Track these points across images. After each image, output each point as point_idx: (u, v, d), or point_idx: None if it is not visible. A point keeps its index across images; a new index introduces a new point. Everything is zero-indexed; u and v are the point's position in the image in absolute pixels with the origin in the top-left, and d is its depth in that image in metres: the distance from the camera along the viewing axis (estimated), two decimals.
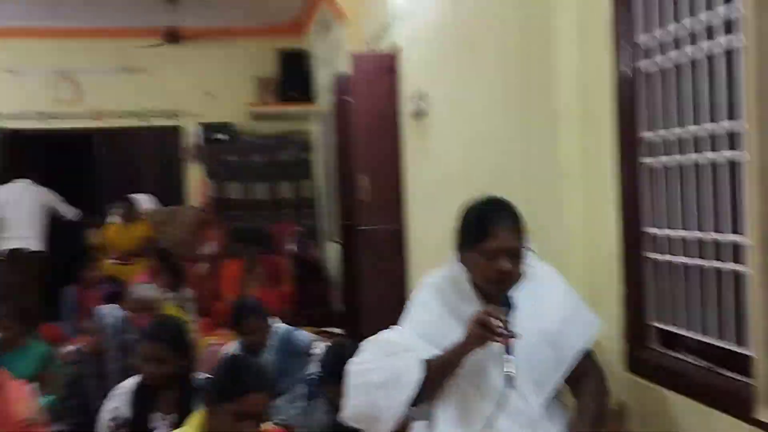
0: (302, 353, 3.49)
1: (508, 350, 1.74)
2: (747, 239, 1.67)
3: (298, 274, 6.55)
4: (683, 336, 2.00)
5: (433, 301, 2.02)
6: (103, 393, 3.30)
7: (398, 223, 4.56)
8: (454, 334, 1.86)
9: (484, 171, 3.19)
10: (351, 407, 1.97)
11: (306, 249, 7.08)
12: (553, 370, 1.90)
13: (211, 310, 6.30)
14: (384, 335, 2.04)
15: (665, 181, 2.03)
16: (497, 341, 1.75)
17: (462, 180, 3.49)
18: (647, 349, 2.10)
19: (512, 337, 1.75)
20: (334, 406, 2.90)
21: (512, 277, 1.90)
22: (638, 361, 2.11)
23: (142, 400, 2.70)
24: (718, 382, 1.81)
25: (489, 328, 1.75)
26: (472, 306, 1.89)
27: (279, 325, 3.58)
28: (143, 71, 8.16)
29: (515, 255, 1.89)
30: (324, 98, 7.14)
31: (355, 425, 2.04)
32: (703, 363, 1.89)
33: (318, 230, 8.16)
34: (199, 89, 8.25)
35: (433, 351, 1.91)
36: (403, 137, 4.52)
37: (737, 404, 1.70)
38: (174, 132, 8.35)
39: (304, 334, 3.57)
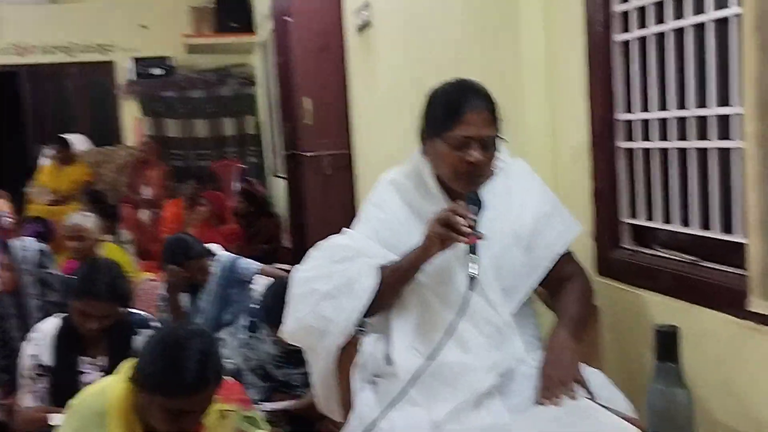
0: (246, 282, 3.24)
1: (473, 250, 1.50)
2: (739, 109, 1.45)
3: (243, 212, 6.26)
4: (660, 231, 1.80)
5: (391, 199, 1.76)
6: (24, 331, 3.02)
7: (345, 146, 4.28)
8: (415, 236, 1.61)
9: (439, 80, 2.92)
10: (294, 320, 1.72)
11: (251, 186, 6.75)
12: (525, 275, 1.67)
13: (152, 252, 6.03)
14: (334, 240, 1.77)
15: (640, 57, 1.80)
16: (462, 242, 1.51)
17: (413, 95, 3.21)
18: (620, 249, 1.90)
19: (479, 237, 1.51)
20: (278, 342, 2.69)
21: (483, 169, 1.64)
22: (611, 263, 1.91)
23: (67, 344, 2.39)
24: (704, 275, 1.61)
25: (453, 227, 1.50)
26: (436, 204, 1.63)
27: (222, 254, 3.31)
28: (70, 2, 7.59)
29: (487, 145, 1.62)
30: (265, 27, 6.72)
31: (297, 343, 1.80)
32: (685, 257, 1.69)
33: (263, 167, 7.83)
34: (131, 21, 7.72)
35: (390, 256, 1.66)
36: (347, 54, 4.20)
37: (726, 298, 1.51)
38: (106, 68, 7.82)
39: (247, 263, 3.30)
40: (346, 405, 1.70)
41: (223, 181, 7.36)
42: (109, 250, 3.97)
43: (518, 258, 1.66)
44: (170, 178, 7.06)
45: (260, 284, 2.82)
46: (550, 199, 1.76)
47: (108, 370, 2.37)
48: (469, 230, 1.49)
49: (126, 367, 1.79)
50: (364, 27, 3.78)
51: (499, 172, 1.72)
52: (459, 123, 1.59)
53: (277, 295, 2.56)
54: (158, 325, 2.67)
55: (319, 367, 1.71)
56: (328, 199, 4.43)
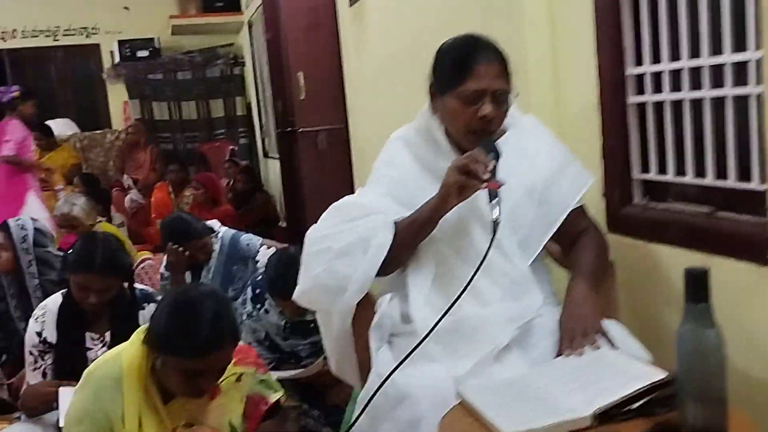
0: (249, 258, 3.21)
1: (494, 197, 1.48)
2: (757, 53, 1.44)
3: (242, 189, 6.23)
4: (673, 185, 1.79)
5: (402, 157, 1.72)
6: (24, 312, 2.98)
7: (340, 121, 4.25)
8: (428, 192, 1.59)
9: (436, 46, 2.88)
10: (308, 280, 1.68)
11: (243, 167, 6.70)
12: (540, 228, 1.65)
13: (144, 236, 5.99)
14: (346, 199, 1.74)
15: (649, 4, 1.77)
16: (481, 189, 1.48)
17: (408, 64, 3.18)
18: (632, 206, 1.89)
19: (499, 184, 1.48)
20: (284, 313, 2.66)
21: (494, 124, 1.61)
22: (623, 219, 1.89)
23: (71, 321, 2.35)
24: (721, 225, 1.60)
25: (472, 175, 1.48)
26: (448, 160, 1.60)
27: (223, 231, 3.27)
28: None
29: (499, 99, 1.59)
30: (252, 5, 6.64)
31: (310, 305, 1.77)
32: (701, 209, 1.68)
33: (254, 148, 7.77)
34: (115, 3, 7.62)
35: (405, 213, 1.63)
36: (340, 28, 4.16)
37: (746, 246, 1.50)
38: (91, 51, 7.72)
39: (248, 238, 3.27)
40: (363, 366, 1.68)
41: (214, 162, 7.30)
42: (106, 229, 3.93)
43: (532, 211, 1.65)
44: (160, 161, 7.00)
45: (265, 256, 2.78)
46: (562, 151, 1.74)
47: (113, 346, 2.34)
48: (489, 176, 1.47)
49: (139, 331, 1.77)
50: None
51: (510, 126, 1.70)
52: (470, 76, 1.56)
53: (281, 265, 2.54)
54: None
55: (335, 328, 1.69)
56: (324, 175, 4.40)
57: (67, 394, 2.13)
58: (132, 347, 1.75)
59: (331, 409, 2.63)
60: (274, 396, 1.88)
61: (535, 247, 1.65)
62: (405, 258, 1.64)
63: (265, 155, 7.28)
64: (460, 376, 1.48)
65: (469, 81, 1.56)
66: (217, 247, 3.23)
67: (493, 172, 1.49)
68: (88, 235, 2.38)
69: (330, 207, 1.74)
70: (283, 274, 2.47)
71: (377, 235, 1.59)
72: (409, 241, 1.61)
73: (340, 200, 1.74)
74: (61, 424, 2.02)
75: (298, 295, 1.75)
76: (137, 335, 1.78)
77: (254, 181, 6.43)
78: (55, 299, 2.41)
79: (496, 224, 1.47)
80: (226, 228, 3.36)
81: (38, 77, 7.72)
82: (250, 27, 7.08)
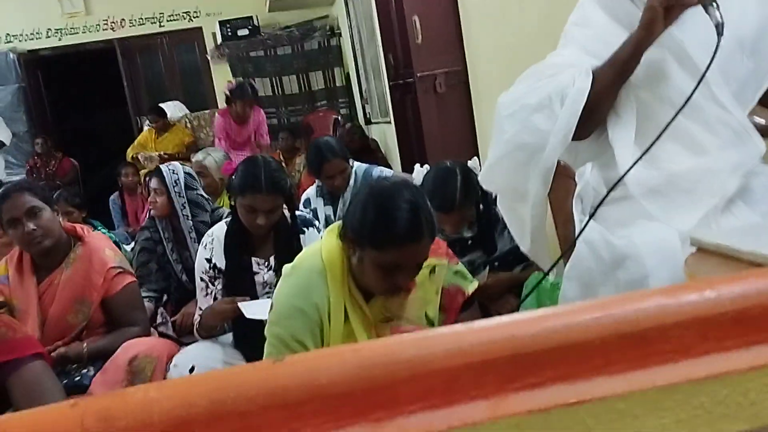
0: None
1: (707, 3, 1.36)
2: None
3: (354, 151, 6.28)
4: None
5: (597, 15, 1.61)
6: (179, 254, 3.08)
7: (460, 62, 4.18)
8: None
9: None
10: (500, 146, 1.59)
11: (352, 134, 6.75)
12: (753, 82, 1.52)
13: None
14: (538, 64, 1.64)
15: None
16: (694, 2, 1.37)
17: None
18: None
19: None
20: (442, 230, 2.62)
21: None
22: None
23: (237, 246, 2.40)
24: None
25: None
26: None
27: (358, 165, 3.28)
28: None
29: None
30: None
31: (499, 181, 1.67)
32: None
33: (356, 117, 7.81)
34: None
35: None
36: None
37: None
38: (194, 34, 7.95)
39: (381, 170, 3.27)
40: (565, 240, 1.62)
41: (320, 132, 7.38)
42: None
43: (744, 64, 1.53)
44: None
45: (420, 173, 2.76)
46: None
47: (277, 269, 2.38)
48: None
49: (331, 228, 1.75)
50: None
51: None
52: None
53: (439, 178, 2.51)
54: (320, 225, 2.67)
55: (531, 196, 1.59)
56: (444, 120, 4.34)
57: (248, 306, 2.18)
58: (329, 243, 1.71)
59: None
60: (471, 287, 1.84)
61: (749, 102, 1.53)
62: (606, 108, 1.53)
63: (367, 122, 7.31)
64: (688, 231, 1.39)
65: None
66: (351, 181, 3.24)
67: None
68: (249, 159, 2.41)
69: (519, 78, 1.67)
70: (442, 186, 2.43)
71: (576, 83, 1.49)
72: (610, 84, 1.50)
73: (528, 69, 1.67)
74: (251, 315, 2.07)
75: (487, 171, 1.68)
76: (330, 233, 1.74)
77: (366, 138, 6.49)
78: (221, 227, 2.46)
79: (719, 28, 1.35)
80: (359, 162, 3.36)
81: (146, 64, 8.00)
82: None
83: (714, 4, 1.37)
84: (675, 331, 0.53)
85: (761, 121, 1.72)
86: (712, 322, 0.54)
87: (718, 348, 0.55)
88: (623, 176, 1.41)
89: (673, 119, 1.39)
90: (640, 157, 1.40)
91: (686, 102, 1.38)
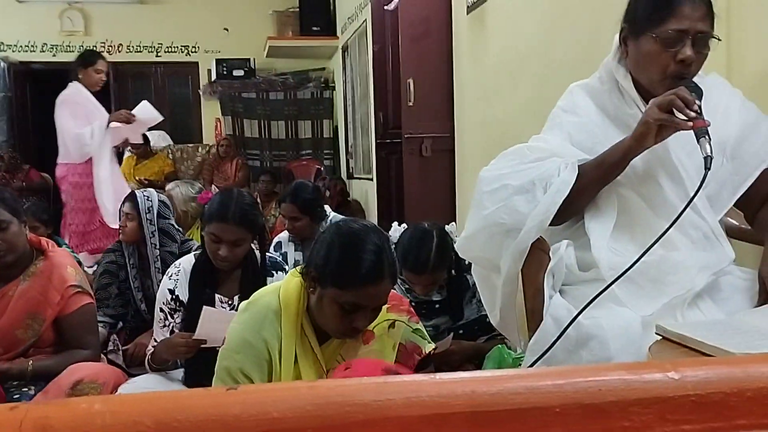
0: None
1: (701, 135, 1.40)
2: None
3: (338, 204, 6.30)
4: None
5: (585, 103, 1.65)
6: (142, 282, 3.02)
7: (447, 129, 4.25)
8: (613, 140, 1.52)
9: (563, 50, 2.85)
10: (478, 220, 1.60)
11: (333, 186, 6.78)
12: (730, 185, 1.57)
13: None
14: (521, 145, 1.66)
15: None
16: (686, 128, 1.40)
17: (535, 66, 3.17)
18: None
19: (706, 123, 1.40)
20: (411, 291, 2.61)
21: (691, 71, 1.52)
22: None
23: (202, 280, 2.37)
24: None
25: (678, 110, 1.39)
26: (635, 110, 1.55)
27: (335, 215, 3.28)
28: (158, 3, 7.82)
29: (700, 42, 1.50)
30: (349, 28, 6.79)
31: (476, 252, 1.68)
32: None
33: (338, 170, 7.86)
34: (216, 24, 7.91)
35: (589, 159, 1.55)
36: (454, 36, 4.19)
37: None
38: (189, 68, 8.01)
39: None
40: (534, 314, 1.62)
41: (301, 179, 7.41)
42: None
43: (724, 166, 1.57)
44: (243, 170, 7.14)
45: (396, 231, 2.76)
46: (753, 108, 1.66)
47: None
48: (695, 115, 1.41)
49: (294, 270, 1.75)
50: (475, 5, 3.76)
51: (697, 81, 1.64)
52: (672, 16, 1.49)
53: (416, 239, 2.51)
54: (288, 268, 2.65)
55: (503, 273, 1.61)
56: (426, 183, 4.38)
57: (210, 313, 2.14)
58: (288, 284, 1.72)
59: None
60: (428, 347, 1.83)
61: (725, 204, 1.57)
62: (585, 203, 1.57)
63: (350, 176, 7.35)
64: (648, 317, 1.41)
65: (671, 20, 1.49)
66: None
67: (699, 110, 1.43)
68: (224, 190, 2.41)
69: (502, 153, 1.69)
70: (418, 246, 2.44)
71: (561, 174, 1.52)
72: (593, 183, 1.54)
73: (512, 147, 1.69)
74: (196, 336, 2.05)
75: (463, 241, 1.70)
76: (292, 274, 1.75)
77: (346, 195, 6.52)
78: (189, 259, 2.43)
79: (708, 161, 1.38)
80: (338, 214, 3.37)
81: (138, 90, 8.01)
82: (344, 51, 7.22)
83: (706, 136, 1.40)
84: (635, 408, 0.53)
85: (734, 222, 1.76)
86: (673, 403, 0.54)
87: (676, 431, 0.54)
88: (619, 277, 1.40)
89: (665, 232, 1.39)
90: (634, 263, 1.38)
91: (677, 218, 1.40)
